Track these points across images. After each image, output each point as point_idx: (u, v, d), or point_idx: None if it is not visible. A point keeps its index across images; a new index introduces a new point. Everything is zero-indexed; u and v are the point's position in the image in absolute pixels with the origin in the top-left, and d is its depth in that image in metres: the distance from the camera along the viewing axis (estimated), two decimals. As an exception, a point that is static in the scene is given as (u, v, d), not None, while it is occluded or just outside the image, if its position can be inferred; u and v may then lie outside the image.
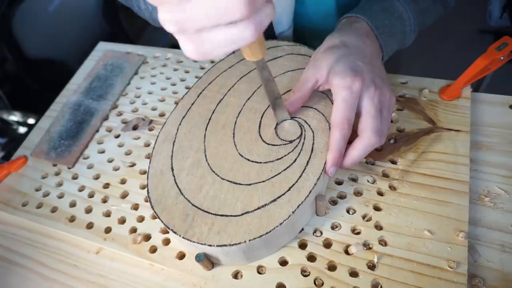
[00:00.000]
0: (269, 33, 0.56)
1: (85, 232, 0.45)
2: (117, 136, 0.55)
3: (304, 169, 0.38)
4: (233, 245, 0.35)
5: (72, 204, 0.48)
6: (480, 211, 0.41)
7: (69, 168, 0.52)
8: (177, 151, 0.43)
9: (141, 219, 0.45)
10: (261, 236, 0.35)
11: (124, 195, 0.48)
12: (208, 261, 0.38)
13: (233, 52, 0.53)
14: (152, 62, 0.64)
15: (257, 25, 0.25)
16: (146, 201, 0.46)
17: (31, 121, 1.13)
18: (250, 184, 0.39)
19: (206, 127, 0.45)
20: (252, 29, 0.25)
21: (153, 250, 0.42)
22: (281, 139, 0.41)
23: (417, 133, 0.46)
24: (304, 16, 0.56)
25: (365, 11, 0.45)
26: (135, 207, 0.46)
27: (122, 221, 0.45)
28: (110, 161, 0.52)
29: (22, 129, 1.13)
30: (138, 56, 0.65)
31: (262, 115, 0.44)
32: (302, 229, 0.41)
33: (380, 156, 0.45)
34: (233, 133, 0.43)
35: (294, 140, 0.41)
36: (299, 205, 0.36)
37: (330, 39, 0.43)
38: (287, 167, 0.39)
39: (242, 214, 0.37)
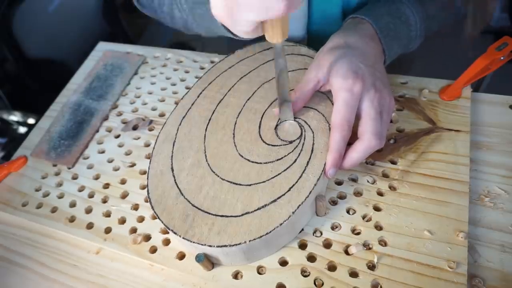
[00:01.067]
0: None
1: (85, 232, 0.45)
2: (117, 136, 0.55)
3: (304, 169, 0.38)
4: (233, 245, 0.35)
5: (72, 204, 0.48)
6: (480, 211, 0.41)
7: (69, 168, 0.52)
8: (177, 151, 0.43)
9: (141, 219, 0.45)
10: (261, 236, 0.35)
11: (124, 195, 0.48)
12: (208, 261, 0.38)
13: (233, 53, 0.53)
14: (152, 62, 0.64)
15: (290, 2, 0.27)
16: (146, 201, 0.46)
17: (31, 121, 1.13)
18: (250, 185, 0.39)
19: (206, 127, 0.45)
20: (286, 3, 0.27)
21: (153, 250, 0.42)
22: (281, 140, 0.41)
23: (417, 133, 0.46)
24: (309, 24, 0.55)
25: (370, 13, 0.45)
26: (135, 207, 0.46)
27: (122, 221, 0.45)
28: (110, 161, 0.52)
29: (22, 129, 1.13)
30: (138, 56, 0.65)
31: (262, 116, 0.44)
32: (302, 230, 0.41)
33: (380, 156, 0.45)
34: (233, 134, 0.43)
35: (294, 141, 0.41)
36: (299, 205, 0.36)
37: (334, 39, 0.43)
38: (287, 168, 0.39)
39: (242, 215, 0.37)
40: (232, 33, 0.41)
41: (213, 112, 0.46)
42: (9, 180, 0.53)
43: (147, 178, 0.42)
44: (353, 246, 0.38)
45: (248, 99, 0.46)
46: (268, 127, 0.43)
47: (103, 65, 0.65)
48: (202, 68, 0.61)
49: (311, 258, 0.39)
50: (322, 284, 0.37)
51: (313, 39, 0.57)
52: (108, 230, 0.45)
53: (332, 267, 0.38)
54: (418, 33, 0.47)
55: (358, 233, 0.40)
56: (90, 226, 0.46)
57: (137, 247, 0.43)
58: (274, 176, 0.39)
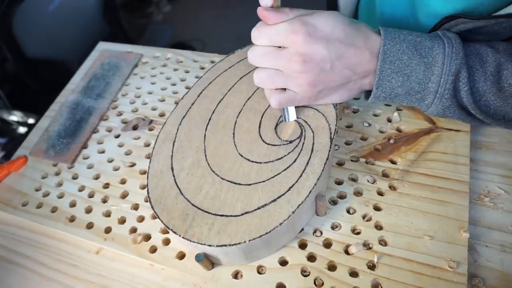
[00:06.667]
0: None
1: (85, 232, 0.45)
2: (117, 136, 0.55)
3: (304, 169, 0.38)
4: (233, 245, 0.35)
5: (72, 204, 0.48)
6: (480, 211, 0.41)
7: (69, 168, 0.52)
8: (177, 151, 0.43)
9: (141, 219, 0.45)
10: (261, 236, 0.35)
11: (124, 195, 0.48)
12: (208, 261, 0.38)
13: (233, 52, 0.53)
14: (152, 62, 0.64)
15: None
16: (146, 201, 0.46)
17: (31, 121, 1.13)
18: (250, 184, 0.39)
19: (206, 127, 0.45)
20: None
21: (153, 250, 0.42)
22: (281, 139, 0.41)
23: (417, 133, 0.46)
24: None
25: (391, 33, 0.37)
26: (135, 207, 0.46)
27: (122, 221, 0.45)
28: (110, 161, 0.52)
29: (22, 129, 1.13)
30: (135, 55, 0.65)
31: (262, 115, 0.44)
32: (302, 229, 0.41)
33: (380, 156, 0.45)
34: (233, 133, 0.43)
35: (294, 140, 0.41)
36: (299, 205, 0.36)
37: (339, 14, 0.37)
38: (287, 167, 0.39)
39: (242, 214, 0.37)
40: None
41: (213, 112, 0.46)
42: (9, 180, 0.53)
43: (147, 178, 0.42)
44: (353, 246, 0.38)
45: (248, 99, 0.46)
46: (268, 127, 0.43)
47: (100, 64, 0.65)
48: (202, 68, 0.61)
49: (311, 257, 0.39)
50: (322, 283, 0.37)
51: None
52: (108, 230, 0.45)
53: (332, 267, 0.38)
54: (442, 90, 0.37)
55: (358, 233, 0.40)
56: (90, 226, 0.46)
57: (137, 247, 0.43)
58: (274, 176, 0.39)
